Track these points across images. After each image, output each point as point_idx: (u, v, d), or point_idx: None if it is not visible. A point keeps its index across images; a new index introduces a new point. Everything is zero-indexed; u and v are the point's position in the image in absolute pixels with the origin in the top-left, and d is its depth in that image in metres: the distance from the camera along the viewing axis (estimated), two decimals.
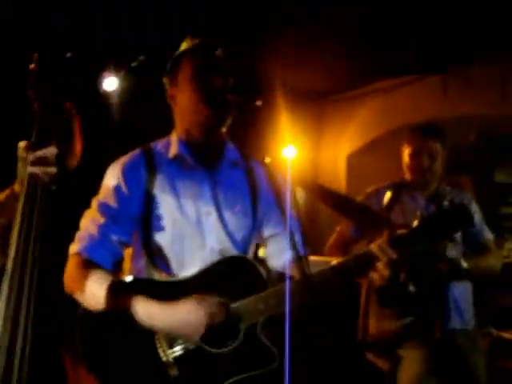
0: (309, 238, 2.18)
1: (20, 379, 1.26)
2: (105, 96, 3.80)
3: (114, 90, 3.86)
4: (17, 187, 1.61)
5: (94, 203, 1.93)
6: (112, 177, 1.94)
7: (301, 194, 3.65)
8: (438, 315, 2.85)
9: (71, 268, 1.84)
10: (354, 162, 5.30)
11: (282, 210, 1.96)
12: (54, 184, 1.49)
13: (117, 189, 1.91)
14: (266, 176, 2.07)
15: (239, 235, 2.00)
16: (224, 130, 2.00)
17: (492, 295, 4.92)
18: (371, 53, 4.44)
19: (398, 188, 3.08)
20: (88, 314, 1.76)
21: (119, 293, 1.74)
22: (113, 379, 1.72)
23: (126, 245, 1.93)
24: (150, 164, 1.95)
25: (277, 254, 2.08)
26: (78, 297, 1.78)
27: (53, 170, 1.49)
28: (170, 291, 1.80)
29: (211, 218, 1.95)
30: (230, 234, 1.97)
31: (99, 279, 1.77)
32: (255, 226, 2.05)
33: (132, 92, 4.14)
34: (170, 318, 1.72)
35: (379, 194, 3.09)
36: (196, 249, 1.92)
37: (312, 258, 2.00)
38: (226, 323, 1.77)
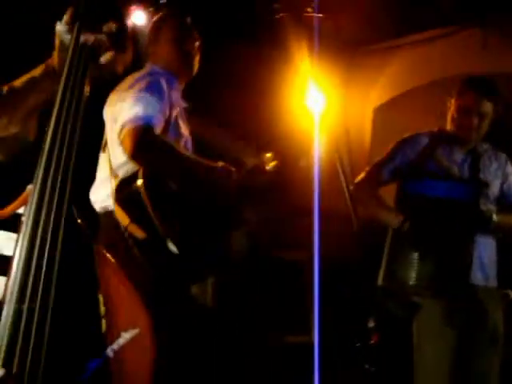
0: None
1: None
2: (133, 30, 3.69)
3: (142, 25, 3.74)
4: (54, 62, 1.49)
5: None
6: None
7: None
8: (461, 268, 2.82)
9: None
10: (382, 115, 5.16)
11: None
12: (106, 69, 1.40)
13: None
14: None
15: None
16: None
17: None
18: (407, 3, 4.29)
19: (436, 138, 3.03)
20: None
21: None
22: None
23: None
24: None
25: None
26: None
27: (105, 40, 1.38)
28: None
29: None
30: None
31: None
32: None
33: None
34: None
35: (416, 140, 3.04)
36: None
37: None
38: None
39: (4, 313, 1.17)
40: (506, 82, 4.15)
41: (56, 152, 1.26)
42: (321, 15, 2.96)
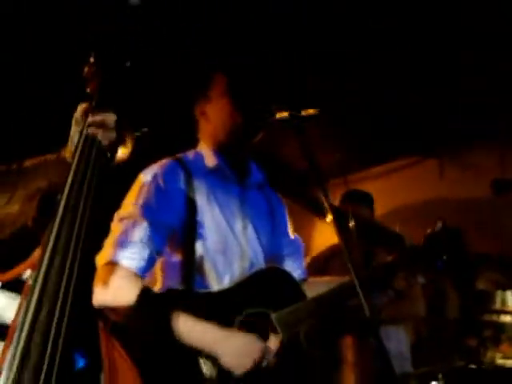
0: None
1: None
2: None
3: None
4: (67, 153, 1.47)
5: (133, 207, 1.79)
6: (151, 180, 1.84)
7: None
8: None
9: (105, 279, 1.65)
10: None
11: (291, 235, 2.13)
12: (110, 151, 1.37)
13: (158, 191, 1.81)
14: (280, 202, 2.18)
15: (267, 251, 2.00)
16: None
17: None
18: (369, 137, 4.52)
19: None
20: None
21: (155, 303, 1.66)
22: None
23: (160, 255, 1.82)
24: (187, 171, 1.90)
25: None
26: (99, 293, 1.62)
27: (112, 135, 1.38)
28: (210, 303, 1.72)
29: (249, 231, 1.95)
30: (262, 249, 1.97)
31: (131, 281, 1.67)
32: (274, 247, 2.05)
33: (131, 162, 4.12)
34: (220, 344, 1.63)
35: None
36: (237, 259, 1.88)
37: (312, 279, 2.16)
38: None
39: (1, 382, 1.07)
40: (460, 208, 4.33)
41: (65, 234, 1.21)
42: None
